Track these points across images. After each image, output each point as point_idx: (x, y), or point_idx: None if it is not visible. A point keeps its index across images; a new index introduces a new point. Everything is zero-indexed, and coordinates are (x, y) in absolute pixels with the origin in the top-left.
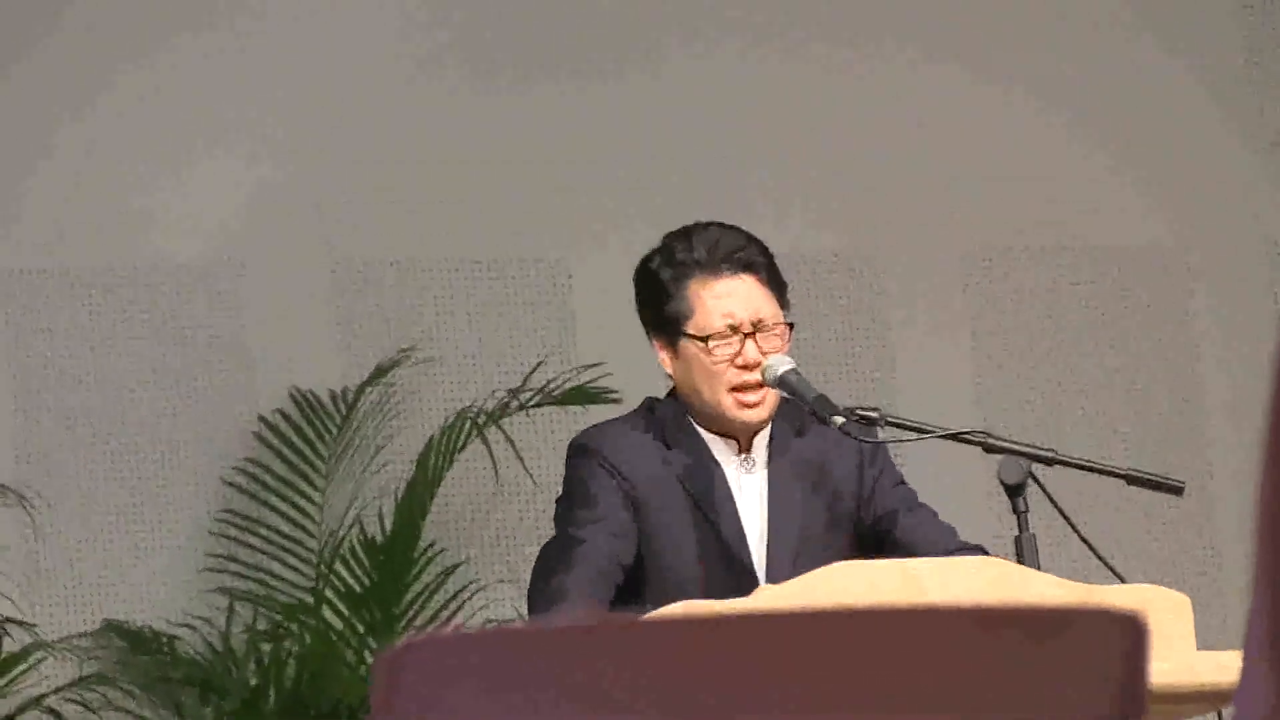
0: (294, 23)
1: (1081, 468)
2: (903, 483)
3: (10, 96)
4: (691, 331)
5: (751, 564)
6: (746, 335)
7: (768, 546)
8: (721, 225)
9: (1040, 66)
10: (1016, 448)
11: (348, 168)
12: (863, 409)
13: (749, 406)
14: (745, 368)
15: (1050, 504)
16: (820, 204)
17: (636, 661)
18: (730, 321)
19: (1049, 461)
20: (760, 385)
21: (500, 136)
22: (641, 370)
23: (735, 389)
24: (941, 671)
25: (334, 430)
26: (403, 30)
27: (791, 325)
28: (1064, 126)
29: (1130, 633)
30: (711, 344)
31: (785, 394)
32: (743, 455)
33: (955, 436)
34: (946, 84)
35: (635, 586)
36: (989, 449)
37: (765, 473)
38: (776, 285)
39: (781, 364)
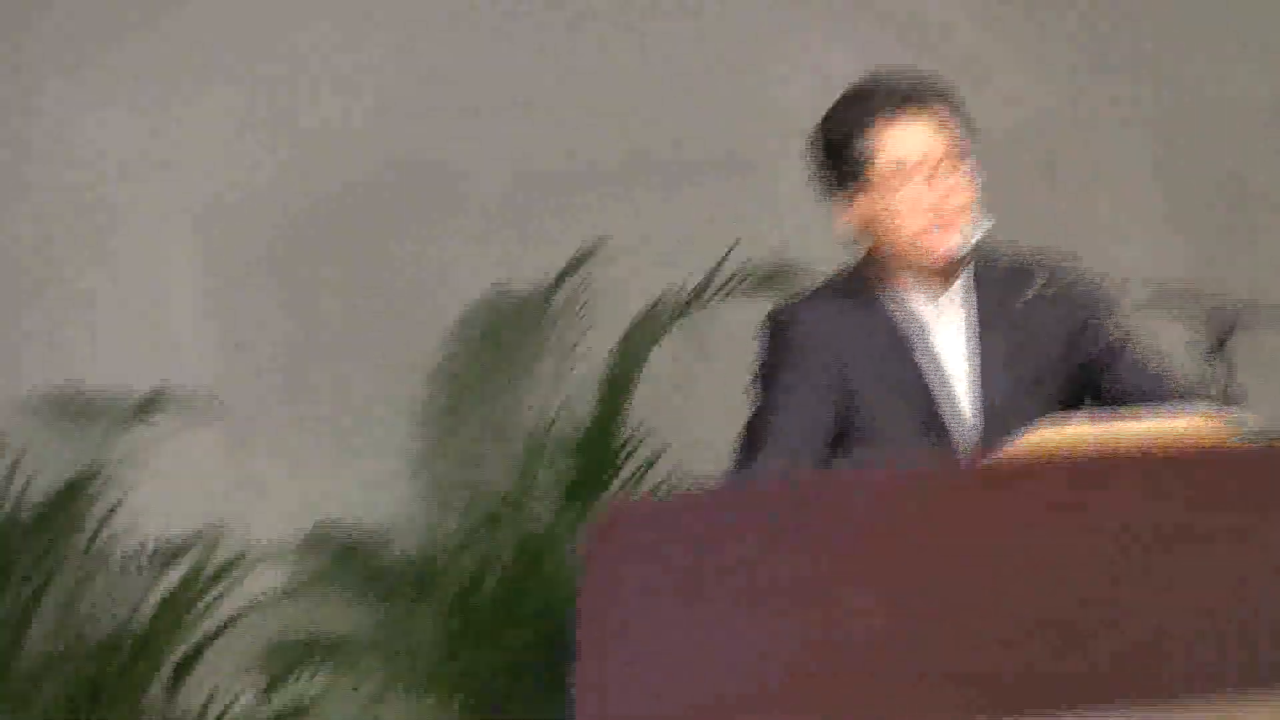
0: None
1: None
2: (1110, 326)
3: None
4: (881, 166)
5: (960, 409)
6: (937, 164)
7: (975, 400)
8: (896, 70)
9: None
10: (1222, 300)
11: (529, 69)
12: (1061, 269)
13: (946, 237)
14: (940, 198)
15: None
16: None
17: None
18: (920, 152)
19: (1260, 313)
20: (956, 215)
21: (689, 28)
22: (833, 255)
23: (931, 221)
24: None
25: (532, 324)
26: None
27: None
28: None
29: None
30: (903, 175)
31: (992, 261)
32: (941, 301)
33: (1158, 291)
34: None
35: (844, 447)
36: (1193, 304)
37: (966, 320)
38: (964, 123)
39: (978, 228)
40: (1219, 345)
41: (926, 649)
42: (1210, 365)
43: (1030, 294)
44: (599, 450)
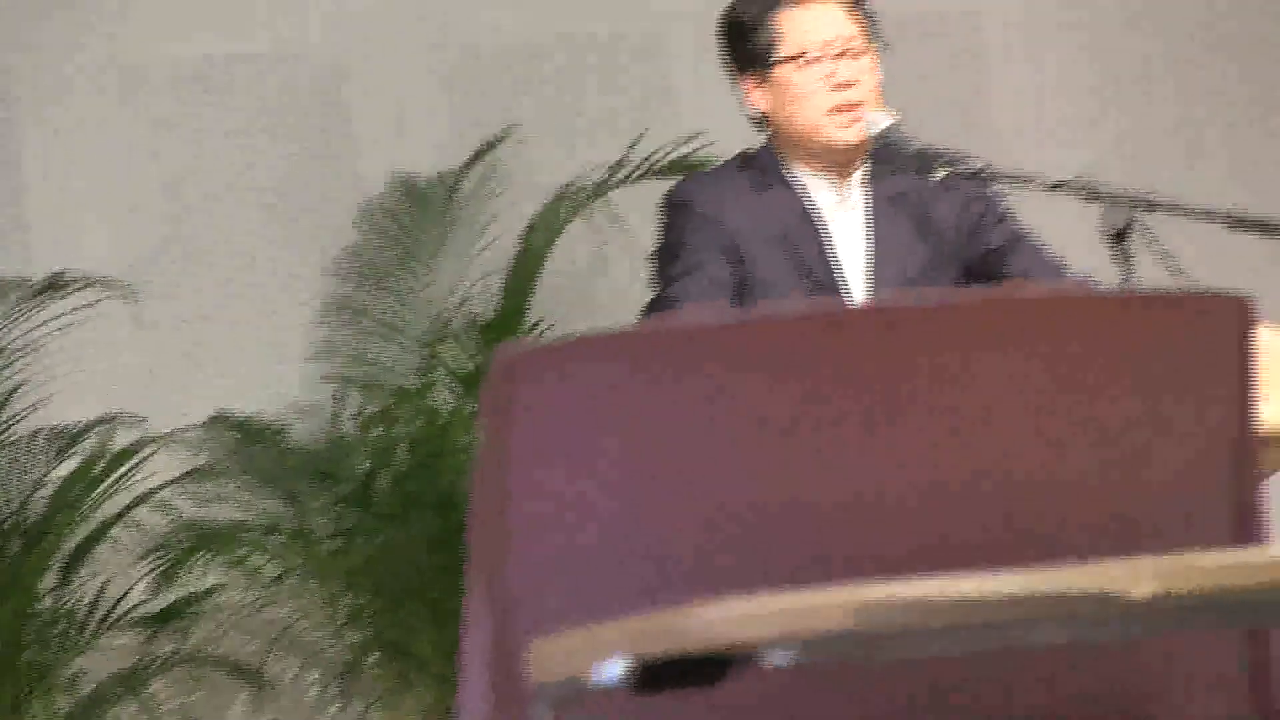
0: None
1: (1187, 214)
2: (1007, 218)
3: None
4: (783, 54)
5: (854, 296)
6: (839, 55)
7: (871, 286)
8: None
9: None
10: (1119, 194)
11: None
12: (965, 159)
13: (847, 126)
14: (840, 87)
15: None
16: None
17: (743, 352)
18: (822, 38)
19: (1152, 207)
20: (858, 104)
21: None
22: (742, 139)
23: (833, 109)
24: (1069, 356)
25: (436, 213)
26: None
27: (883, 44)
28: None
29: (1240, 312)
30: (805, 61)
31: (892, 150)
32: (840, 193)
33: (1057, 186)
34: None
35: None
36: (1092, 196)
37: (864, 209)
38: (866, 12)
39: (883, 118)
40: (1118, 238)
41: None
42: (1112, 257)
43: (929, 184)
44: (503, 338)
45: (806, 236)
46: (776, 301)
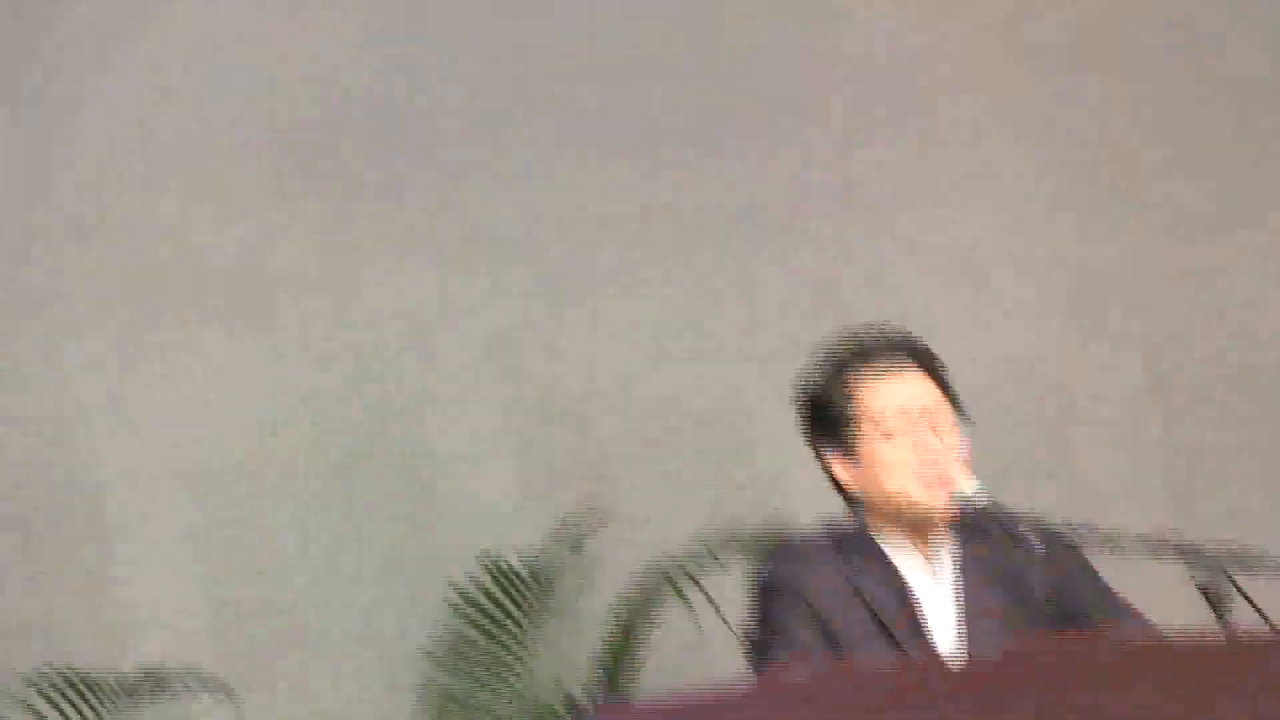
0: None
1: (1276, 567)
2: (1096, 578)
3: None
4: (866, 426)
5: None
6: (921, 424)
7: (962, 645)
8: (879, 328)
9: None
10: (1208, 552)
11: (521, 328)
12: (1052, 524)
13: (935, 492)
14: (925, 457)
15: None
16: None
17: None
18: (904, 408)
19: (1240, 562)
20: (942, 472)
21: (674, 290)
22: (829, 510)
23: (918, 478)
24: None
25: (526, 595)
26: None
27: (965, 415)
28: None
29: None
30: (889, 433)
31: (981, 518)
32: (930, 566)
33: (1148, 543)
34: None
35: None
36: (1180, 555)
37: (952, 578)
38: (945, 382)
39: (972, 486)
40: (1208, 590)
41: None
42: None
43: (1016, 548)
44: None
45: (896, 608)
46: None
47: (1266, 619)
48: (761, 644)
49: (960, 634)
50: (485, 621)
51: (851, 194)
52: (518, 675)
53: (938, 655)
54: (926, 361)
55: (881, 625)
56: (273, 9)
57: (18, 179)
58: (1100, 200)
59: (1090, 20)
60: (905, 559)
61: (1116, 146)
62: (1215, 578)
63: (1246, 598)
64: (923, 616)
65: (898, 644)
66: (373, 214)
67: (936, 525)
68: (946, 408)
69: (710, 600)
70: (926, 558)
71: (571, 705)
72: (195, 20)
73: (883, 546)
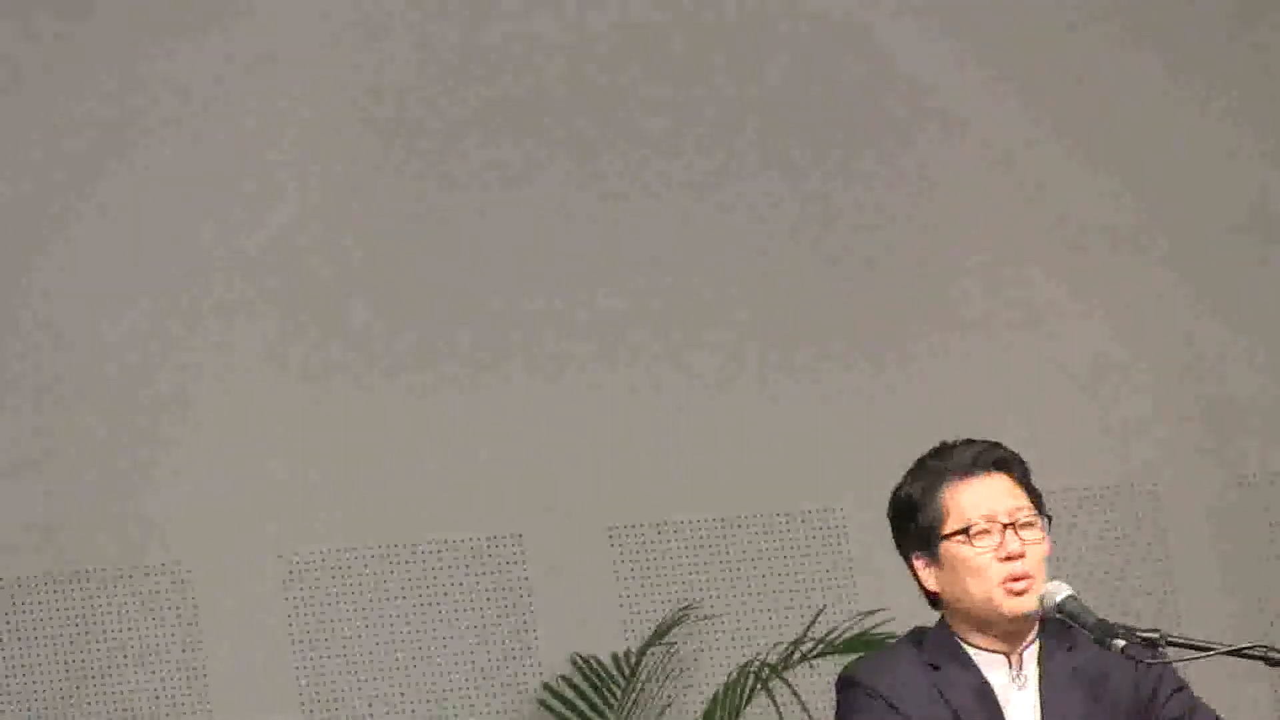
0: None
1: None
2: (1184, 688)
3: None
4: (950, 530)
5: None
6: (1005, 526)
7: None
8: (970, 439)
9: None
10: None
11: (613, 434)
12: (1142, 631)
13: (1019, 595)
14: (1009, 559)
15: None
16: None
17: None
18: (989, 511)
19: None
20: (1028, 576)
21: (767, 391)
22: (921, 613)
23: (1003, 582)
24: None
25: (618, 694)
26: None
27: (1049, 519)
28: None
29: None
30: (972, 535)
31: (1065, 620)
32: (1014, 670)
33: (1238, 652)
34: None
35: None
36: (1272, 663)
37: (1038, 687)
38: (1030, 487)
39: (1059, 590)
40: None
41: None
42: None
43: (1105, 656)
44: None
45: (980, 713)
46: None
47: None
48: None
49: None
50: (573, 717)
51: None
52: None
53: None
54: (1011, 466)
55: None
56: None
57: None
58: None
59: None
60: (990, 663)
61: None
62: None
63: None
64: None
65: None
66: None
67: (1021, 630)
68: (1031, 512)
69: (799, 699)
70: (1011, 663)
71: None
72: None
73: (968, 651)
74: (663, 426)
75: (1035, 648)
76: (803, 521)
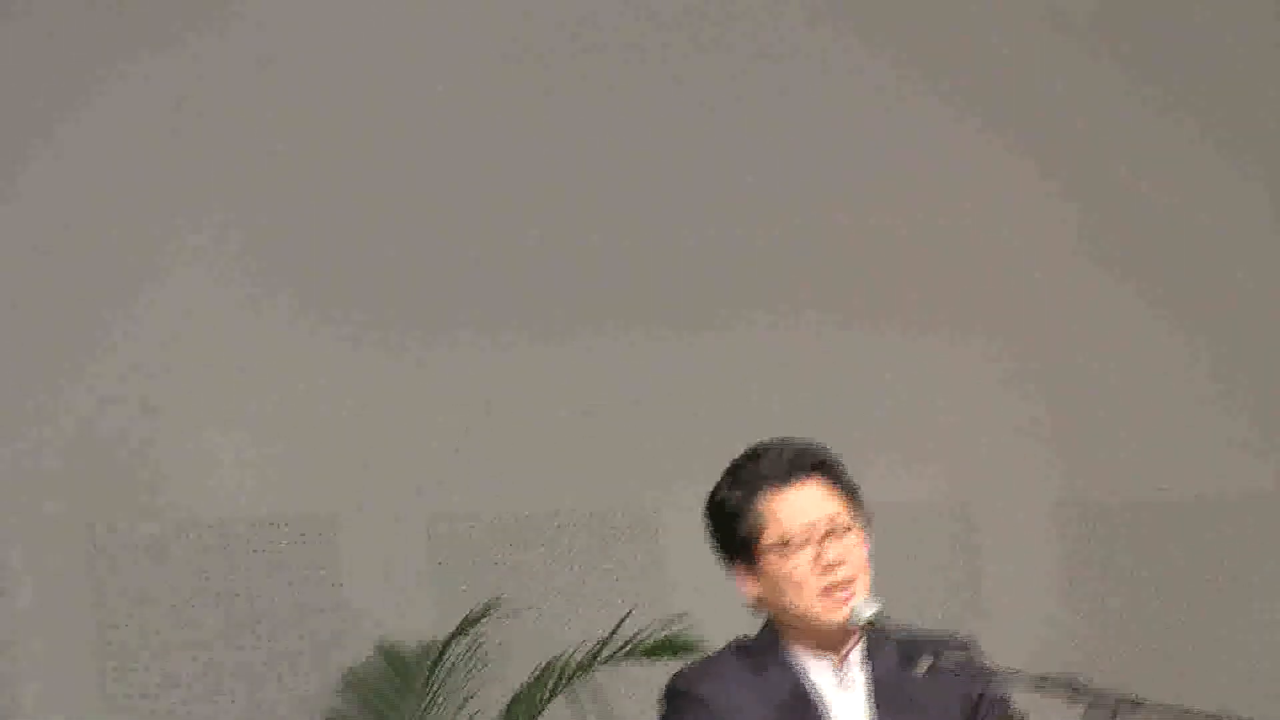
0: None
1: (1172, 714)
2: (1006, 701)
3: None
4: (770, 541)
5: None
6: (825, 535)
7: None
8: (782, 440)
9: None
10: (1102, 693)
11: (439, 424)
12: (950, 648)
13: (839, 607)
14: (829, 567)
15: None
16: (912, 452)
17: None
18: (806, 523)
19: (1136, 707)
20: (848, 582)
21: (584, 389)
22: (732, 620)
23: (823, 591)
24: None
25: (419, 683)
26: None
27: (869, 518)
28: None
29: None
30: (791, 548)
31: (875, 632)
32: (840, 672)
33: (1041, 680)
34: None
35: None
36: (1074, 695)
37: (864, 688)
38: (848, 488)
39: (867, 607)
40: None
41: None
42: None
43: (925, 668)
44: None
45: (807, 718)
46: None
47: None
48: None
49: None
50: (375, 698)
51: None
52: None
53: None
54: (826, 469)
55: None
56: None
57: None
58: None
59: None
60: (817, 669)
61: None
62: (1110, 717)
63: None
64: None
65: None
66: None
67: (846, 634)
68: (848, 515)
69: (599, 700)
70: (838, 669)
71: None
72: None
73: (792, 657)
74: (483, 419)
75: (859, 650)
76: (617, 520)
